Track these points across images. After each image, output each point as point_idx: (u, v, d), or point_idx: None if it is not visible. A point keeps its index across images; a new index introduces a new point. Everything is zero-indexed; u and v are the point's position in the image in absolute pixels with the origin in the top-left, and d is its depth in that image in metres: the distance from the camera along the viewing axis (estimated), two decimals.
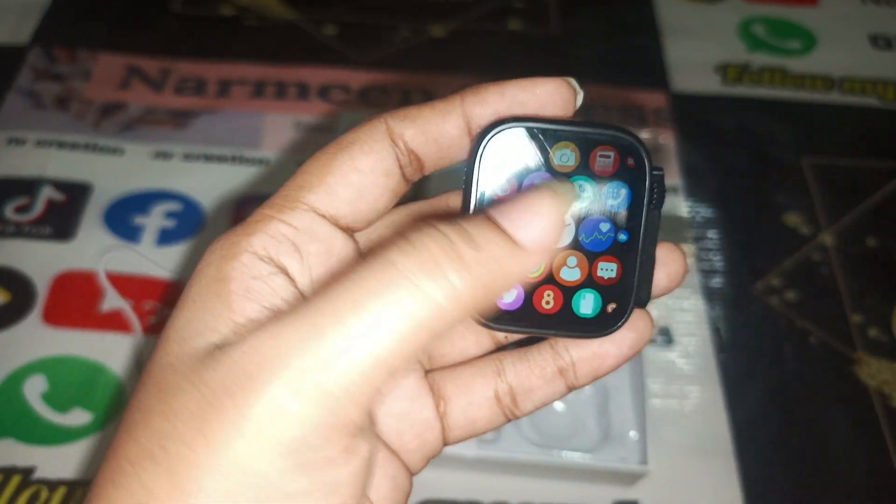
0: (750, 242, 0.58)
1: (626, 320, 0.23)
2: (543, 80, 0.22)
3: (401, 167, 0.22)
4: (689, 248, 0.25)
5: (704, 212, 0.59)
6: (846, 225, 0.59)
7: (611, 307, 0.23)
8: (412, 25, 0.70)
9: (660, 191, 0.23)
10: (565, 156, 0.23)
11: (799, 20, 0.74)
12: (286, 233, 0.21)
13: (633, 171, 0.23)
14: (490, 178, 0.23)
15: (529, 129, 0.23)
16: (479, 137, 0.23)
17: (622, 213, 0.23)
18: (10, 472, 0.43)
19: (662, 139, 0.63)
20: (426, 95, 0.65)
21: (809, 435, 0.49)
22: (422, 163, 0.23)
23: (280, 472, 0.17)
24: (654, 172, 0.23)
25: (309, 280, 0.21)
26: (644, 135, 0.63)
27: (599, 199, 0.23)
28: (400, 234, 0.18)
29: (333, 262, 0.22)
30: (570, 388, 0.24)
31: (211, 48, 0.67)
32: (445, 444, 0.25)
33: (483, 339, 0.26)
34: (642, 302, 0.23)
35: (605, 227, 0.23)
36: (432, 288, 0.17)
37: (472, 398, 0.24)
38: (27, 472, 0.44)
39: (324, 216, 0.22)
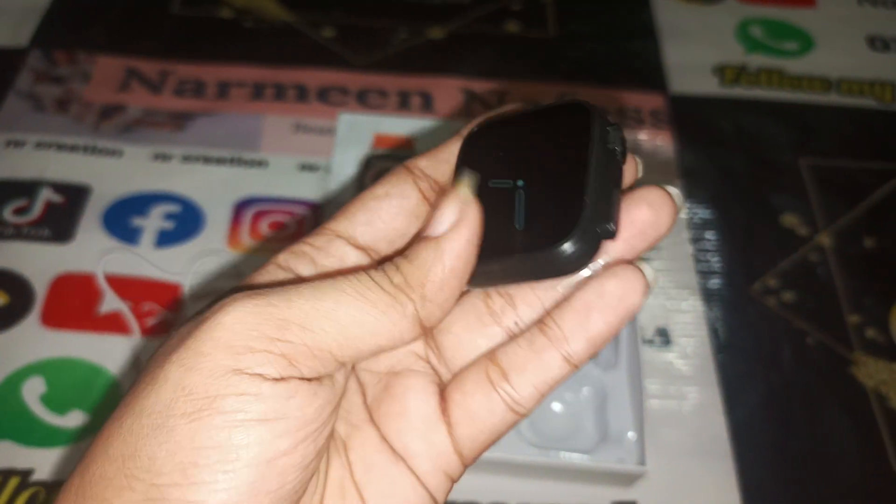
0: (747, 243, 0.58)
1: (584, 247, 0.21)
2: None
3: (421, 192, 0.25)
4: (677, 191, 0.24)
5: (702, 213, 0.59)
6: (843, 226, 0.59)
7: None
8: (410, 27, 0.71)
9: (615, 133, 0.22)
10: (524, 134, 0.25)
11: (796, 22, 0.74)
12: (305, 250, 0.24)
13: (581, 123, 0.23)
14: (473, 166, 0.25)
15: (497, 122, 0.25)
16: (463, 141, 0.26)
17: (572, 154, 0.23)
18: (8, 473, 0.44)
19: (660, 141, 0.63)
20: (424, 97, 0.65)
21: (807, 435, 0.49)
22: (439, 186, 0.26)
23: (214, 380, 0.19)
24: (605, 122, 0.23)
25: None
26: (642, 136, 0.64)
27: (551, 153, 0.23)
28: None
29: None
30: (570, 363, 0.22)
31: (210, 50, 0.67)
32: (461, 457, 0.23)
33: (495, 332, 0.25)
34: (607, 232, 0.22)
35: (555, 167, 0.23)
36: (390, 308, 0.21)
37: (465, 387, 0.23)
38: (25, 474, 0.44)
39: (341, 236, 0.24)
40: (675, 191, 0.23)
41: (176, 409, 0.19)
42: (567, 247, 0.21)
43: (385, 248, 0.25)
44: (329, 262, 0.24)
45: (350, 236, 0.24)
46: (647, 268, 0.23)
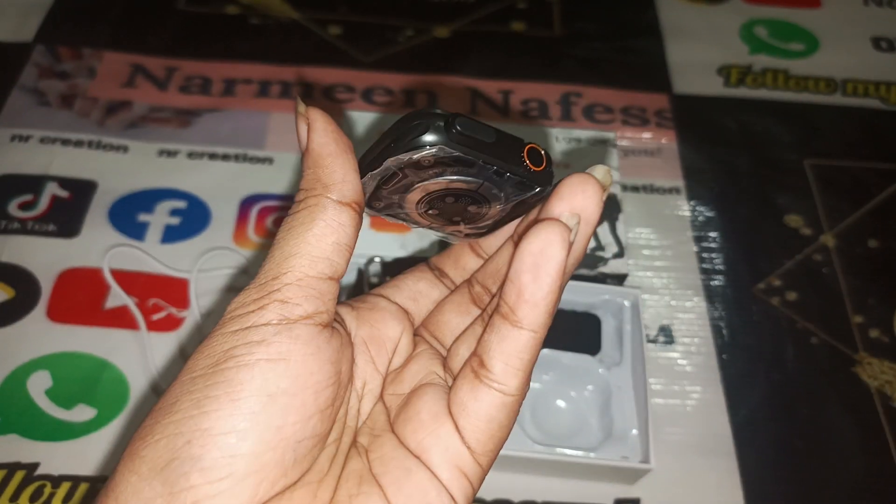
0: (752, 243, 0.58)
1: (434, 130, 0.23)
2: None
3: (433, 273, 0.31)
4: (603, 169, 0.25)
5: (706, 213, 0.59)
6: (848, 226, 0.59)
7: None
8: (416, 26, 0.71)
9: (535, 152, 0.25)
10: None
11: (801, 22, 0.74)
12: (349, 301, 0.29)
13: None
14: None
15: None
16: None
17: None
18: (14, 467, 0.44)
19: (665, 140, 0.63)
20: (430, 95, 0.65)
21: (810, 435, 0.49)
22: (446, 274, 0.31)
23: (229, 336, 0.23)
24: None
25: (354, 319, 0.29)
26: (646, 135, 0.64)
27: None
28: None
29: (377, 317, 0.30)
30: (526, 329, 0.24)
31: (216, 47, 0.67)
32: (472, 452, 0.25)
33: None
34: (459, 132, 0.23)
35: None
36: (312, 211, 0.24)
37: (456, 383, 0.25)
38: (31, 468, 0.44)
39: (373, 293, 0.30)
40: (600, 170, 0.24)
41: (198, 366, 0.23)
42: (422, 122, 0.23)
43: (411, 306, 0.30)
44: (364, 305, 0.29)
45: (381, 293, 0.30)
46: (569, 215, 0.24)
